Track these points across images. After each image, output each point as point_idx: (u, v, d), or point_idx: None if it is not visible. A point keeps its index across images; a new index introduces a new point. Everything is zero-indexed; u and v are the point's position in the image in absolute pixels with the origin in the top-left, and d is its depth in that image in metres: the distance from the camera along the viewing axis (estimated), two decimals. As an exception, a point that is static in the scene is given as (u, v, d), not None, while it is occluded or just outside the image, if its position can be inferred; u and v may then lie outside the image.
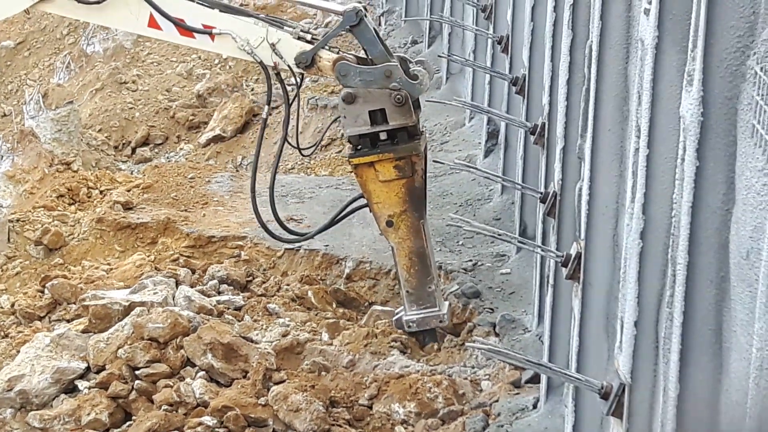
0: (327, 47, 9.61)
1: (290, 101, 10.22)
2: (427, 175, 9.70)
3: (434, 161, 10.56)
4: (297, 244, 11.73)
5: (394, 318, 9.99)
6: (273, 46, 9.62)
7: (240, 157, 20.69)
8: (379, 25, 22.28)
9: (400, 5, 21.53)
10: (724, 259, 4.49)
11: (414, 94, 9.36)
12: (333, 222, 10.74)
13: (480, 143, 14.00)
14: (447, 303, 10.04)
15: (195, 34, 9.78)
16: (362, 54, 9.74)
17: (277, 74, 9.98)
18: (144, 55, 24.96)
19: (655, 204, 5.08)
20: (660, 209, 5.05)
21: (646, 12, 5.02)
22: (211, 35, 9.71)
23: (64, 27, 26.88)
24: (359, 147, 9.44)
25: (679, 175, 4.62)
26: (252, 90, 22.66)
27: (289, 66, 9.64)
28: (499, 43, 12.60)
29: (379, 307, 10.86)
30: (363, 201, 9.83)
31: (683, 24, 4.76)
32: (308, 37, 9.77)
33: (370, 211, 9.69)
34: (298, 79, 10.13)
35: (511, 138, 12.12)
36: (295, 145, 11.00)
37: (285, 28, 9.84)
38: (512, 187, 11.46)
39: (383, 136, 9.38)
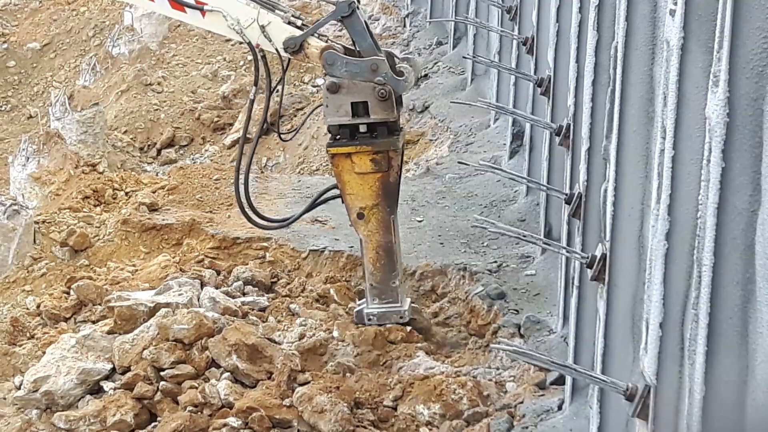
0: (316, 35, 9.68)
1: (273, 85, 10.28)
2: (403, 172, 9.72)
3: (459, 162, 10.57)
4: (271, 232, 11.67)
5: (355, 310, 10.06)
6: (263, 27, 9.66)
7: (265, 159, 20.72)
8: (404, 26, 22.29)
9: (425, 6, 21.52)
10: (750, 260, 4.47)
11: (398, 91, 9.42)
12: (306, 210, 10.73)
13: (505, 144, 13.98)
14: (409, 300, 10.11)
15: (186, 9, 9.84)
16: (351, 45, 9.80)
17: (263, 57, 10.03)
18: (169, 56, 25.03)
19: (680, 205, 5.07)
20: (685, 211, 5.03)
21: (672, 13, 5.01)
22: (202, 11, 9.75)
23: (90, 29, 26.97)
24: (338, 137, 9.54)
25: (704, 177, 4.60)
26: (277, 91, 22.68)
27: (276, 49, 9.69)
28: (524, 44, 12.59)
29: (404, 308, 10.85)
30: (337, 191, 9.89)
31: (709, 25, 4.75)
32: (298, 22, 9.84)
33: (342, 201, 9.76)
34: (285, 64, 10.18)
35: (536, 139, 12.10)
36: (276, 130, 11.10)
37: (276, 11, 9.88)
38: (537, 189, 11.44)
39: (363, 128, 9.47)
